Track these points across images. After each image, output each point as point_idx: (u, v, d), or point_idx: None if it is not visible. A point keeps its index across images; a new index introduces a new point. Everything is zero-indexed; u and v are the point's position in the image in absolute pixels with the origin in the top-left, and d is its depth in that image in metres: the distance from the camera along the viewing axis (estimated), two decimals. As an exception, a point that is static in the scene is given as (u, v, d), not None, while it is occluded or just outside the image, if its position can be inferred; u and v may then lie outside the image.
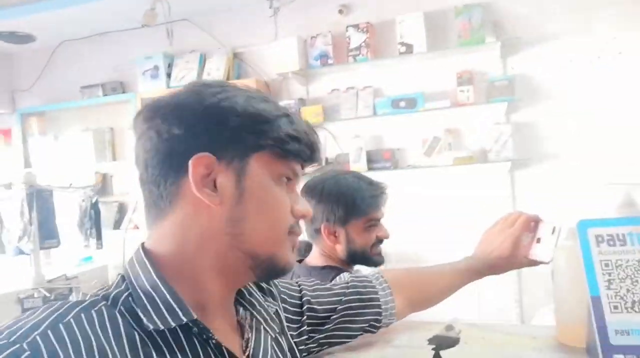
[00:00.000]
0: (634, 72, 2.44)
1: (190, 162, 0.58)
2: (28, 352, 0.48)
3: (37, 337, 0.49)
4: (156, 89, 3.11)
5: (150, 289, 0.58)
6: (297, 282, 0.87)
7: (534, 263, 1.01)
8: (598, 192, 2.46)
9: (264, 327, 0.70)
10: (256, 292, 0.74)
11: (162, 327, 0.55)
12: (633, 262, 0.74)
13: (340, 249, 1.49)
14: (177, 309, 0.57)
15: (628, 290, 0.73)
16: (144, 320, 0.55)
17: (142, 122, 0.62)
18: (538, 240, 1.00)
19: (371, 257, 1.50)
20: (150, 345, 0.55)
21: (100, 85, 3.28)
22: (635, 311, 0.71)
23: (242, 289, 0.71)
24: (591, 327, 0.74)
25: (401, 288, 0.95)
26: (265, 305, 0.73)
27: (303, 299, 0.83)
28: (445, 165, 2.59)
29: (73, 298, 0.60)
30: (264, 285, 0.78)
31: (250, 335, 0.67)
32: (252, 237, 0.62)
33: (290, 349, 0.75)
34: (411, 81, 2.79)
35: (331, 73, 2.97)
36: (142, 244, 0.63)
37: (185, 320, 0.56)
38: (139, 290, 0.58)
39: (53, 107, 3.36)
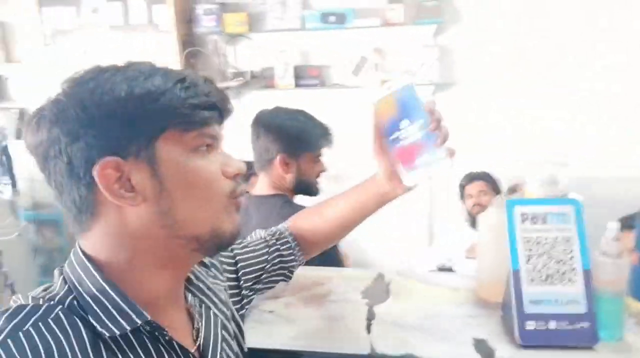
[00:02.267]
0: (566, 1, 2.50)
1: (94, 172, 0.54)
2: None
3: None
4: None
5: (98, 294, 0.56)
6: (230, 248, 0.86)
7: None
8: (516, 122, 2.64)
9: (213, 312, 0.70)
10: (203, 275, 0.73)
11: (117, 332, 0.54)
12: (550, 240, 0.83)
13: (290, 179, 1.56)
14: (130, 312, 0.56)
15: (544, 265, 0.82)
16: (97, 327, 0.54)
17: (31, 139, 0.56)
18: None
19: (315, 188, 1.62)
20: (103, 350, 0.54)
21: (-18, -31, 2.80)
22: (548, 284, 0.81)
23: (189, 274, 0.70)
24: (509, 295, 0.83)
25: (305, 238, 0.94)
26: (214, 288, 0.73)
27: (238, 265, 0.85)
28: (372, 87, 2.59)
29: (20, 299, 0.57)
30: (206, 259, 0.78)
31: (200, 323, 0.67)
32: (189, 222, 0.59)
33: (237, 325, 0.77)
34: (342, -7, 2.66)
35: (257, -25, 2.74)
36: (79, 245, 0.60)
37: (139, 322, 0.56)
38: (85, 296, 0.56)
39: None
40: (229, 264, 0.84)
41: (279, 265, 0.90)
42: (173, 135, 0.57)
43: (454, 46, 2.64)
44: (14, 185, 1.54)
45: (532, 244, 0.83)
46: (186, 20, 2.83)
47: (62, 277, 0.59)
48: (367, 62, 2.65)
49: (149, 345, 0.58)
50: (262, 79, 2.79)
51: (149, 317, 0.57)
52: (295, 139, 1.53)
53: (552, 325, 0.79)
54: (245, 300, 0.85)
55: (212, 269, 0.78)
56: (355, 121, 2.79)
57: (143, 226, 0.58)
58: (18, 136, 2.93)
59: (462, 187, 2.54)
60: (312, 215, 0.96)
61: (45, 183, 0.59)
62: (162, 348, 0.59)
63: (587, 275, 0.81)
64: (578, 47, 2.53)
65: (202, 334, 0.66)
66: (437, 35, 2.62)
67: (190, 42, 2.85)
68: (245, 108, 2.84)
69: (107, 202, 0.56)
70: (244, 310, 0.84)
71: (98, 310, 0.55)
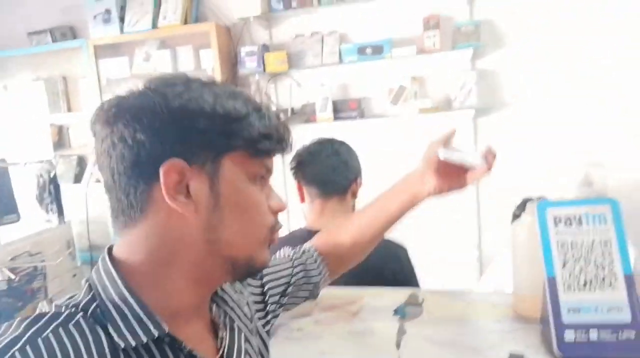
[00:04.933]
0: (605, 20, 2.43)
1: (161, 169, 0.55)
2: None
3: (16, 353, 0.49)
4: (109, 35, 2.93)
5: (119, 302, 0.56)
6: None
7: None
8: (559, 142, 2.53)
9: (237, 325, 0.69)
10: (227, 287, 0.73)
11: (133, 344, 0.54)
12: (587, 243, 0.77)
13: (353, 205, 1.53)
14: (149, 322, 0.55)
15: (581, 270, 0.77)
16: (115, 336, 0.54)
17: (102, 126, 0.57)
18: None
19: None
20: None
21: (48, 30, 3.06)
22: (587, 290, 0.75)
23: None
24: (545, 305, 0.78)
25: (330, 255, 0.94)
26: (238, 302, 0.73)
27: (264, 279, 0.83)
28: (411, 115, 2.59)
29: (45, 306, 0.58)
30: None
31: (224, 334, 0.66)
32: (231, 243, 0.60)
33: (261, 340, 0.76)
34: (378, 27, 2.70)
35: (295, 17, 2.84)
36: (109, 250, 0.61)
37: (156, 334, 0.55)
38: (107, 303, 0.56)
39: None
40: (253, 278, 0.83)
41: (303, 279, 0.89)
42: (240, 157, 0.59)
43: (493, 69, 2.60)
44: (60, 213, 1.64)
45: (567, 248, 0.78)
46: (230, 62, 2.97)
47: (87, 284, 0.59)
48: (406, 91, 2.65)
49: (170, 356, 0.57)
50: (303, 114, 2.85)
51: (167, 329, 0.56)
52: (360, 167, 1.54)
53: (594, 335, 0.73)
54: (270, 315, 0.83)
55: (237, 283, 0.77)
56: (396, 150, 2.78)
57: (188, 235, 0.58)
58: (76, 181, 3.11)
59: (517, 217, 2.34)
60: (334, 230, 0.96)
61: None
62: None
63: (630, 280, 0.74)
64: (621, 66, 2.42)
65: (225, 343, 0.65)
66: (475, 59, 2.60)
67: (234, 83, 2.98)
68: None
69: (160, 202, 0.56)
70: (269, 326, 0.83)
71: (118, 319, 0.55)
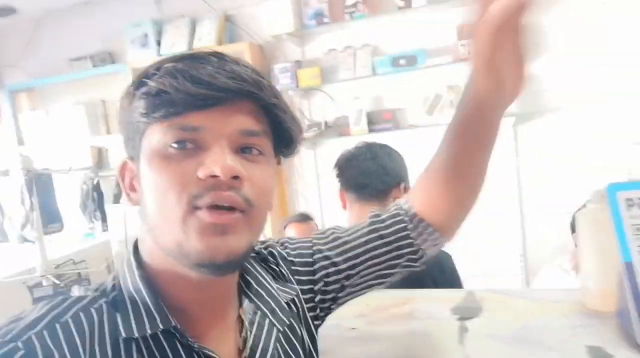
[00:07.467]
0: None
1: (116, 173, 0.58)
2: (22, 351, 0.47)
3: (32, 336, 0.48)
4: (146, 59, 3.01)
5: (134, 292, 0.55)
6: (312, 241, 0.73)
7: None
8: (603, 146, 2.43)
9: (269, 320, 0.63)
10: (267, 280, 0.66)
11: (136, 335, 0.52)
12: (666, 225, 0.71)
13: None
14: (156, 315, 0.53)
15: (662, 255, 0.70)
16: (120, 325, 0.52)
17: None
18: None
19: None
20: (134, 348, 0.52)
21: (89, 57, 3.17)
22: (671, 276, 0.69)
23: (249, 278, 0.64)
24: (624, 294, 0.72)
25: (432, 201, 0.73)
26: (277, 293, 0.66)
27: (315, 266, 0.71)
28: (447, 124, 2.53)
29: (77, 290, 0.57)
30: (276, 267, 0.70)
31: (249, 332, 0.61)
32: (157, 231, 0.53)
33: (310, 335, 0.69)
34: (411, 37, 2.69)
35: (327, 32, 2.86)
36: (136, 241, 0.60)
37: (161, 327, 0.53)
38: (124, 293, 0.55)
39: (42, 81, 3.25)
40: (303, 264, 0.71)
41: (381, 249, 0.71)
42: (152, 130, 0.52)
43: (533, 74, 2.54)
44: (104, 220, 1.67)
45: (644, 233, 0.72)
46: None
47: (114, 273, 0.59)
48: (442, 100, 2.61)
49: (182, 352, 0.54)
50: (337, 128, 2.84)
51: (174, 322, 0.53)
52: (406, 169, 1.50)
53: (684, 323, 0.66)
54: (321, 308, 0.71)
55: (283, 280, 0.69)
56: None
57: (142, 228, 0.57)
58: (115, 201, 3.16)
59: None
60: (421, 180, 0.76)
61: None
62: (195, 357, 0.55)
63: None
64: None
65: (249, 344, 0.60)
66: (513, 66, 2.54)
67: (267, 100, 3.00)
68: (319, 157, 2.88)
69: None
70: (320, 321, 0.72)
71: (130, 309, 0.54)
